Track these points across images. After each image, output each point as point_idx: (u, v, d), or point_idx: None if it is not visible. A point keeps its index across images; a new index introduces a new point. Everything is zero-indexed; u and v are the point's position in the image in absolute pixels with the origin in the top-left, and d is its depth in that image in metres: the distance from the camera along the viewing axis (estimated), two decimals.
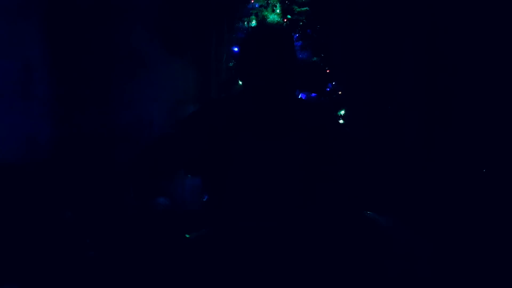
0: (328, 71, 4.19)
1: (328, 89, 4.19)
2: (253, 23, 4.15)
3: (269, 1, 4.17)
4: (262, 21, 4.05)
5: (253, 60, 2.19)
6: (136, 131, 4.19)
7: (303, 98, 4.09)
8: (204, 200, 3.91)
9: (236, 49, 4.13)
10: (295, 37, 4.15)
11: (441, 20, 4.05)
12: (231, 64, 4.28)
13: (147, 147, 2.34)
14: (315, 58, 4.19)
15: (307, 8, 4.17)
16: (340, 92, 4.18)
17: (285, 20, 4.16)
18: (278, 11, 4.17)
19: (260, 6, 4.19)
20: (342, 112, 4.15)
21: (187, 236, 3.03)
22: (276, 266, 2.21)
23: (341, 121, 4.10)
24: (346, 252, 2.51)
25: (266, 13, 4.16)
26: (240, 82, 2.23)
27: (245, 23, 4.17)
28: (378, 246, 3.00)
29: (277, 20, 4.13)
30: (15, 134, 3.97)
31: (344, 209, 2.55)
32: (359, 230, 2.87)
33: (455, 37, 3.98)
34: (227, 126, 2.27)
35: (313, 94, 4.14)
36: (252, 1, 4.20)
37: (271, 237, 2.24)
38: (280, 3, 4.17)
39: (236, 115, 2.29)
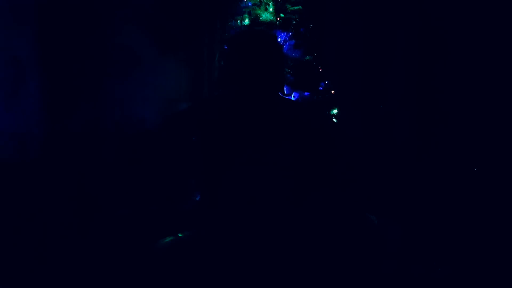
0: (320, 70, 4.19)
1: (320, 88, 4.19)
2: (246, 21, 4.14)
3: (262, 0, 4.16)
4: (254, 20, 4.05)
5: (238, 63, 2.20)
6: (127, 130, 4.17)
7: (296, 96, 4.09)
8: (197, 199, 3.90)
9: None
10: (288, 36, 4.15)
11: (434, 19, 4.06)
12: (223, 63, 4.27)
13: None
14: (308, 57, 4.19)
15: (300, 7, 4.17)
16: (332, 91, 4.19)
17: (278, 18, 4.16)
18: (271, 9, 4.16)
19: (253, 4, 4.18)
20: (335, 111, 4.15)
21: (180, 235, 3.02)
22: (269, 266, 2.21)
23: (334, 120, 4.11)
24: (339, 253, 2.51)
25: (259, 11, 4.15)
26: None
27: (238, 21, 4.16)
28: (371, 246, 3.00)
29: (270, 19, 4.13)
30: (4, 132, 3.93)
31: (337, 209, 2.55)
32: (352, 230, 2.86)
33: (448, 36, 3.99)
34: (217, 127, 2.27)
35: (306, 93, 4.14)
36: (245, 0, 4.19)
37: (263, 237, 2.24)
38: (273, 1, 4.16)
39: (226, 116, 2.29)
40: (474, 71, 3.82)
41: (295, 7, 4.18)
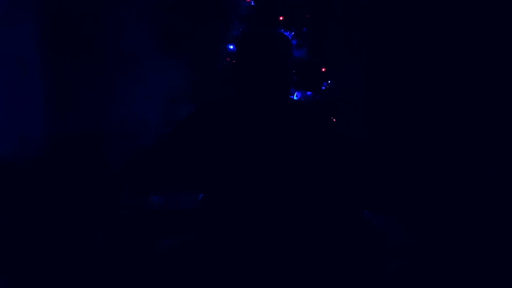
0: (323, 69, 4.18)
1: (323, 87, 4.18)
2: (249, 21, 4.13)
3: None
4: (258, 22, 4.03)
5: (250, 63, 2.20)
6: (130, 129, 4.18)
7: (299, 96, 4.09)
8: (200, 198, 3.89)
9: (231, 47, 4.11)
10: (290, 35, 4.14)
11: (438, 19, 4.06)
12: (226, 63, 4.26)
13: (145, 151, 2.35)
14: (310, 57, 4.18)
15: (303, 6, 4.16)
16: (335, 91, 4.18)
17: (281, 18, 4.15)
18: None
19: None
20: (338, 111, 4.14)
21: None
22: (273, 266, 2.21)
23: (336, 120, 4.10)
24: (341, 252, 2.50)
25: None
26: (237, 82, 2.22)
27: (241, 20, 4.14)
28: (373, 246, 2.99)
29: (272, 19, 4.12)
30: (7, 131, 3.94)
31: (340, 208, 2.54)
32: (354, 229, 2.86)
33: (452, 36, 4.00)
34: (223, 128, 2.27)
35: (308, 93, 4.13)
36: (248, 0, 4.18)
37: (267, 237, 2.24)
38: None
39: (232, 116, 2.29)
40: (479, 72, 3.82)
41: (298, 6, 4.16)
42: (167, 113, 4.27)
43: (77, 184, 3.94)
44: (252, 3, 4.18)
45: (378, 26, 4.29)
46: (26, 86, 4.01)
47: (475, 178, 3.78)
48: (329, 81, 4.19)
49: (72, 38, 4.09)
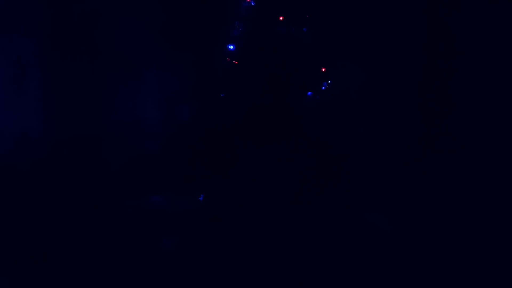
0: (323, 69, 4.19)
1: (323, 87, 4.19)
2: (249, 21, 4.14)
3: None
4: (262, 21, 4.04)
5: (255, 61, 2.21)
6: (130, 129, 4.17)
7: (299, 96, 4.09)
8: (200, 199, 3.89)
9: (231, 47, 4.11)
10: (291, 35, 4.15)
11: (438, 20, 4.06)
12: (226, 63, 4.27)
13: (145, 152, 2.36)
14: (310, 57, 4.19)
15: (303, 6, 4.17)
16: (335, 91, 4.18)
17: (281, 18, 4.15)
18: None
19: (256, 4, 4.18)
20: (338, 111, 4.14)
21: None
22: (272, 266, 2.22)
23: (336, 120, 4.10)
24: (341, 252, 2.51)
25: None
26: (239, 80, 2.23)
27: (241, 21, 4.15)
28: (373, 246, 3.00)
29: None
30: (7, 131, 3.94)
31: (341, 209, 2.55)
32: (355, 230, 2.86)
33: (452, 37, 4.00)
34: (226, 127, 2.28)
35: (308, 93, 4.14)
36: (248, 0, 4.19)
37: (267, 238, 2.24)
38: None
39: (234, 116, 2.30)
40: (479, 73, 3.82)
41: (298, 7, 4.17)
42: (167, 113, 4.27)
43: (77, 184, 3.94)
44: (252, 3, 4.18)
45: (378, 26, 4.29)
46: (26, 86, 4.01)
47: (476, 179, 3.79)
48: (329, 81, 4.19)
49: (72, 38, 4.09)
